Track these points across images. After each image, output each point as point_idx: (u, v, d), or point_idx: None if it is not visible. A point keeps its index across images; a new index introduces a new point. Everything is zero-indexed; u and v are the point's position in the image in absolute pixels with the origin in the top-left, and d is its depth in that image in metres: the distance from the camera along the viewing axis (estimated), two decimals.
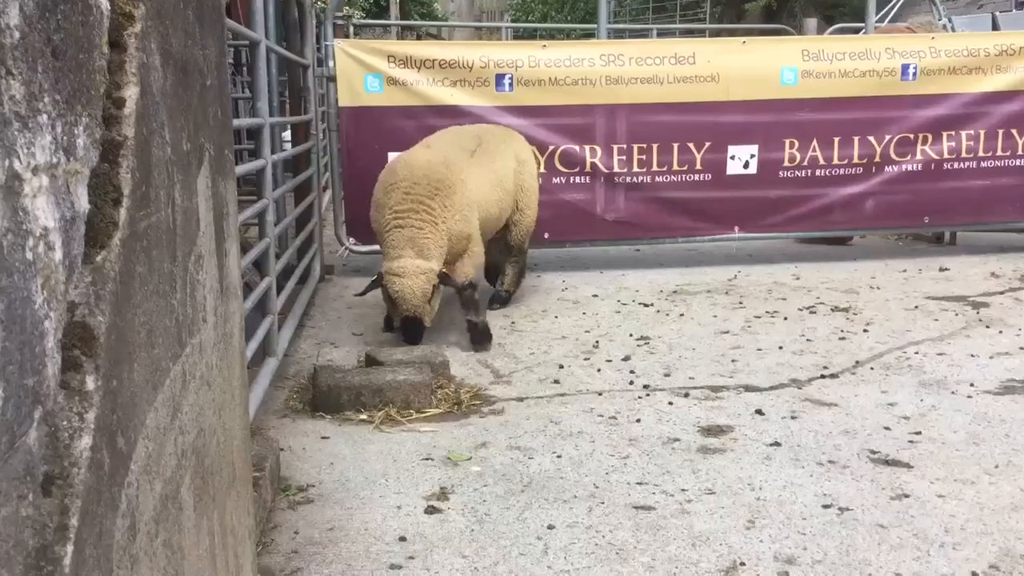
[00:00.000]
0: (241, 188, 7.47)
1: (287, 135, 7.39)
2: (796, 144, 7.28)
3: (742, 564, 2.72)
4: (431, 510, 3.12)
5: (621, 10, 27.96)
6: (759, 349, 5.02)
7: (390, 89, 6.79)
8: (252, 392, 3.76)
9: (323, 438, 3.81)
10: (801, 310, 5.88)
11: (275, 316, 4.21)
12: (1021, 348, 4.93)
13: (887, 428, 3.81)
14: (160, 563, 0.99)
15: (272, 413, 4.09)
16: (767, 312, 5.84)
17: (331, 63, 6.88)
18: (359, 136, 6.82)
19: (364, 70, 6.74)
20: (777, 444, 3.66)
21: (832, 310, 5.86)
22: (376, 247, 6.94)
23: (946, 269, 7.11)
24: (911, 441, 3.66)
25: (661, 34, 12.75)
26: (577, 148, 7.06)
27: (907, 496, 3.16)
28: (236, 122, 5.08)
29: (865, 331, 5.34)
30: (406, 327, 4.90)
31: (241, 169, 4.93)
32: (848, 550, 2.79)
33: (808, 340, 5.18)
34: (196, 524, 1.19)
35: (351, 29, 12.15)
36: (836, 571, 2.67)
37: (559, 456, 3.57)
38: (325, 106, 7.29)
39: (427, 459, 3.57)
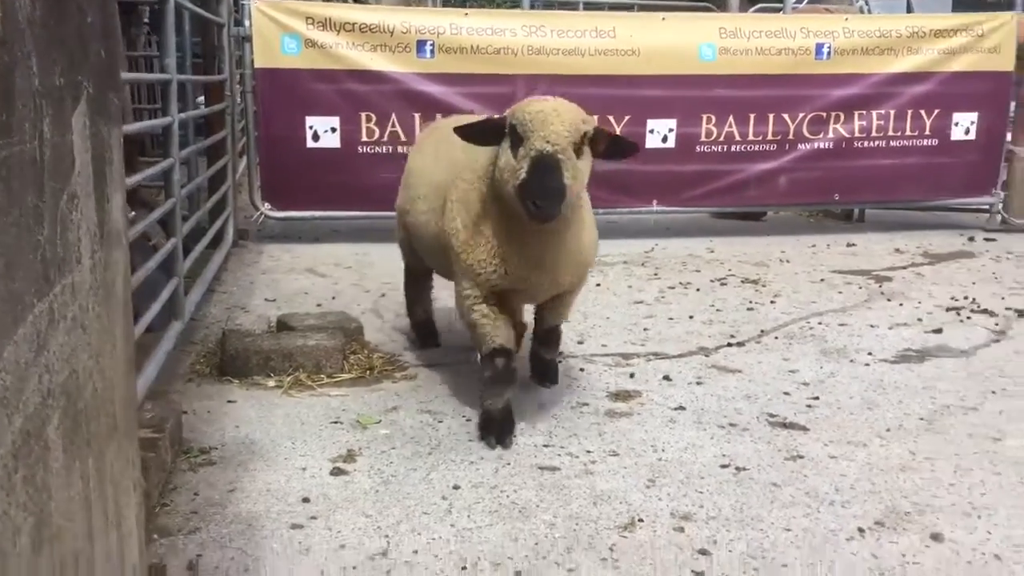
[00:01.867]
0: (153, 151, 7.27)
1: (203, 99, 7.20)
2: (713, 119, 7.39)
3: (640, 520, 2.78)
4: (337, 472, 3.11)
5: None
6: (671, 318, 5.11)
7: (308, 51, 6.66)
8: (155, 354, 3.69)
9: (229, 402, 3.75)
10: (713, 282, 6.01)
11: (181, 278, 4.12)
12: (919, 319, 5.13)
13: (787, 393, 3.93)
14: (19, 498, 0.97)
15: (177, 377, 4.01)
16: (680, 283, 5.95)
17: (247, 23, 6.72)
18: (275, 99, 6.69)
19: (281, 31, 6.60)
20: (682, 408, 3.74)
21: (742, 282, 5.99)
22: (293, 213, 6.88)
23: (853, 245, 7.33)
24: (809, 406, 3.79)
25: (588, 7, 12.74)
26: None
27: (801, 457, 3.27)
28: (141, 76, 4.95)
29: (772, 302, 5.48)
30: (542, 173, 2.99)
31: (146, 125, 4.81)
32: (742, 507, 2.88)
33: (718, 310, 5.29)
34: (66, 466, 1.16)
35: None
36: (729, 526, 2.75)
37: (468, 420, 3.59)
38: (241, 68, 7.12)
39: (336, 422, 3.56)
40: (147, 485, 2.67)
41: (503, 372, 3.43)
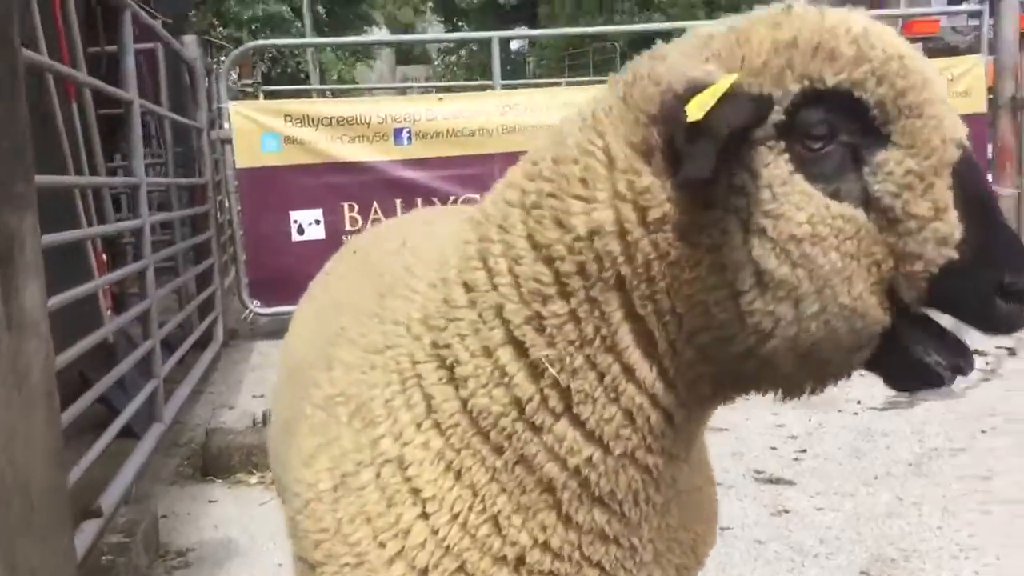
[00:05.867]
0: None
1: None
2: None
3: None
4: None
5: (540, 69, 28.62)
6: None
7: (288, 148, 6.77)
8: (134, 458, 3.66)
9: (210, 502, 3.71)
10: None
11: (160, 380, 4.11)
12: None
13: (774, 448, 3.86)
14: None
15: (161, 481, 3.97)
16: None
17: (226, 125, 6.86)
18: (259, 197, 6.77)
19: (261, 130, 6.73)
20: None
21: None
22: (282, 308, 6.91)
23: None
24: (796, 459, 3.72)
25: (572, 84, 13.03)
26: (479, 197, 7.10)
27: (787, 512, 3.20)
28: (108, 180, 5.02)
29: None
30: None
31: (117, 227, 4.80)
32: (724, 566, 2.81)
33: None
34: None
35: (261, 95, 12.15)
36: None
37: None
38: (223, 169, 7.24)
39: None
40: None
41: None
